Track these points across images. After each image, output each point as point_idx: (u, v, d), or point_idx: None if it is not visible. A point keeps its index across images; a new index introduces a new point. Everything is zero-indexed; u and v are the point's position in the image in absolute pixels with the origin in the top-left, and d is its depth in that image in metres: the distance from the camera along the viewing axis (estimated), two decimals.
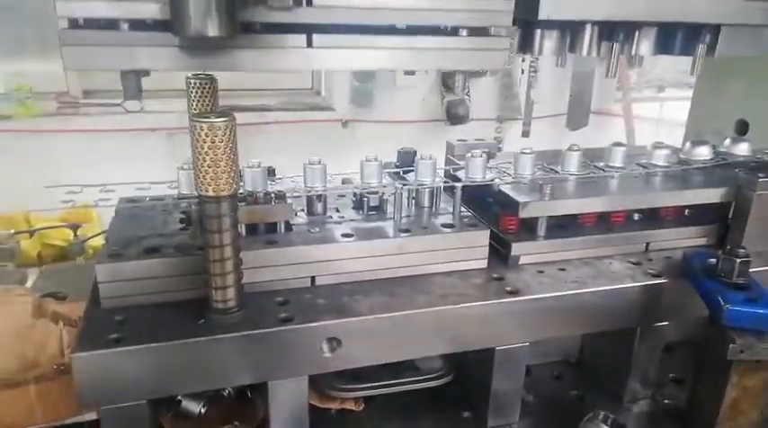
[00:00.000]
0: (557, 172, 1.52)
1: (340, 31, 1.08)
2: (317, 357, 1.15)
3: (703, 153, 1.66)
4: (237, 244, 1.11)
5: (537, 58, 5.56)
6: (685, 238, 1.53)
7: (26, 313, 1.38)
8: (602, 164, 1.59)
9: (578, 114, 6.05)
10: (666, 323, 1.41)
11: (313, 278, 1.27)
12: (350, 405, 1.38)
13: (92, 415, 1.20)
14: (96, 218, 3.91)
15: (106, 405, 1.07)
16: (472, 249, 1.35)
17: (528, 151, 1.48)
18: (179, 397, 1.25)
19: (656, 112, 6.96)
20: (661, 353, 1.48)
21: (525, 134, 5.87)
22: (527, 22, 1.32)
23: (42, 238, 3.94)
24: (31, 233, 3.64)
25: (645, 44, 1.39)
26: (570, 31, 1.37)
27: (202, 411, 1.27)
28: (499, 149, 1.73)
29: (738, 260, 1.24)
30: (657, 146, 1.64)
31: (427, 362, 1.41)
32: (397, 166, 1.54)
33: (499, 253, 1.41)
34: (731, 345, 1.14)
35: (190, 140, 1.01)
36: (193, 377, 1.10)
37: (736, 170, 1.52)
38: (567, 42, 1.38)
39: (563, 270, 1.38)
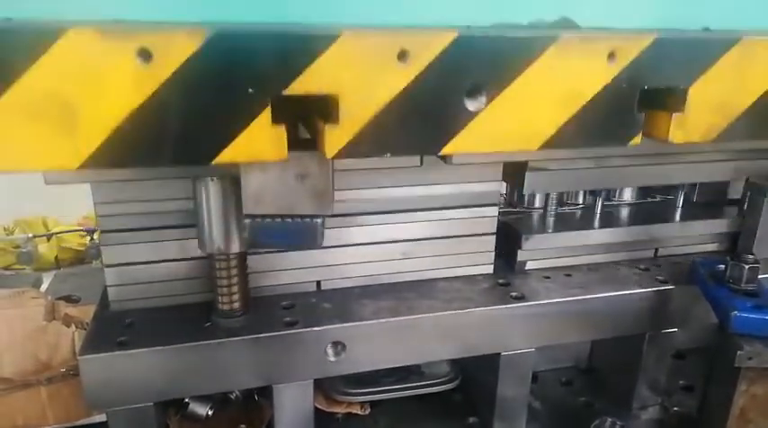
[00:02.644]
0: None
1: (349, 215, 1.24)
2: (322, 361, 1.16)
3: None
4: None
5: None
6: (695, 244, 1.52)
7: (39, 316, 1.40)
8: None
9: None
10: (675, 329, 1.39)
11: (318, 282, 1.28)
12: (356, 410, 1.38)
13: (102, 417, 1.22)
14: None
15: (113, 407, 1.09)
16: (478, 254, 1.35)
17: None
18: (186, 400, 1.27)
19: None
20: (671, 360, 1.47)
21: None
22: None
23: (60, 242, 3.99)
24: (49, 237, 3.69)
25: (627, 194, 1.58)
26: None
27: (210, 414, 1.28)
28: None
29: (747, 266, 1.22)
30: None
31: (433, 367, 1.42)
32: None
33: (506, 258, 1.41)
34: (739, 352, 1.13)
35: None
36: (199, 380, 1.12)
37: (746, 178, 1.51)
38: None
39: (569, 275, 1.38)
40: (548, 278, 1.36)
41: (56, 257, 3.97)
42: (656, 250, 1.50)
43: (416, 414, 1.42)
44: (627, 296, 1.31)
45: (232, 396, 1.33)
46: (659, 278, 1.37)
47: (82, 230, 3.63)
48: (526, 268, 1.40)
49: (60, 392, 1.37)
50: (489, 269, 1.37)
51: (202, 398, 1.28)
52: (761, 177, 1.44)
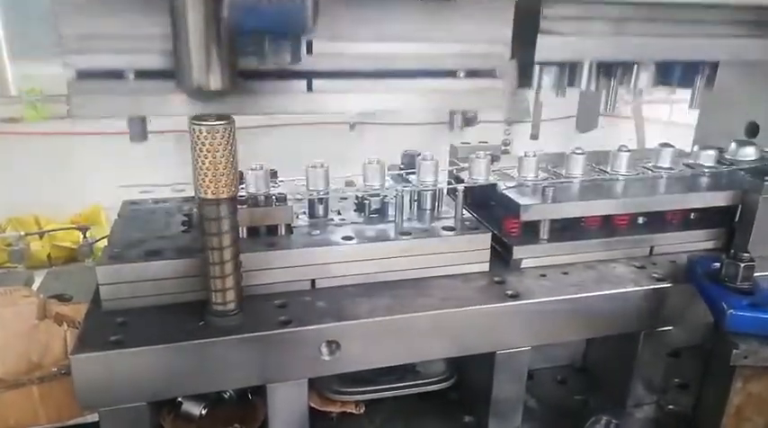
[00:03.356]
0: (561, 175, 1.51)
1: (339, 76, 1.11)
2: (317, 360, 1.15)
3: (710, 156, 1.64)
4: (237, 246, 1.11)
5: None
6: (691, 242, 1.52)
7: (31, 314, 1.39)
8: (607, 167, 1.58)
9: (587, 117, 6.02)
10: (671, 328, 1.39)
11: (313, 281, 1.27)
12: (350, 409, 1.37)
13: (95, 417, 1.21)
14: (105, 220, 3.94)
15: (106, 407, 1.08)
16: (474, 252, 1.35)
17: (531, 154, 1.48)
18: (180, 399, 1.25)
19: (667, 115, 6.90)
20: (666, 359, 1.47)
21: (534, 137, 5.85)
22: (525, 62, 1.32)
23: (52, 240, 3.98)
24: (41, 235, 3.68)
25: (643, 78, 1.40)
26: (569, 66, 1.37)
27: (203, 413, 1.27)
28: (507, 152, 1.73)
29: (742, 264, 1.23)
30: (662, 146, 1.62)
31: (428, 366, 1.41)
32: (401, 169, 1.54)
33: (501, 256, 1.40)
34: (734, 351, 1.13)
35: (189, 143, 1.01)
36: (193, 379, 1.11)
37: (743, 173, 1.51)
38: (565, 76, 1.38)
39: (565, 273, 1.38)
40: (543, 276, 1.36)
41: (48, 255, 3.96)
42: (652, 248, 1.50)
43: (412, 413, 1.42)
44: (623, 294, 1.31)
45: (226, 396, 1.32)
46: (655, 275, 1.37)
47: (74, 228, 3.61)
48: (522, 266, 1.39)
49: (52, 392, 1.36)
50: (485, 267, 1.36)
51: (196, 398, 1.27)
52: (757, 174, 1.45)
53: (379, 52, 1.11)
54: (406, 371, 1.39)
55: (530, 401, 1.47)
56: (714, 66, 1.40)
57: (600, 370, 1.58)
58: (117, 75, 1.00)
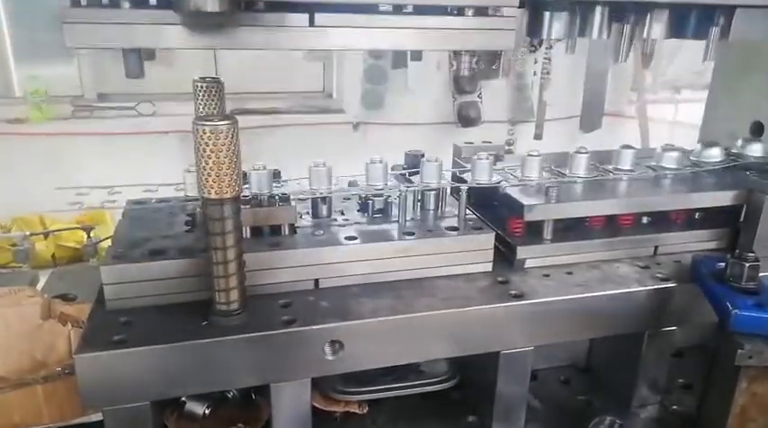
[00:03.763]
0: (564, 175, 1.51)
1: (344, 9, 1.07)
2: (320, 360, 1.15)
3: (714, 155, 1.64)
4: (240, 246, 1.11)
5: (549, 59, 5.52)
6: (695, 242, 1.51)
7: (35, 314, 1.39)
8: (610, 166, 1.58)
9: (592, 116, 6.00)
10: (675, 328, 1.39)
11: (317, 280, 1.27)
12: (354, 409, 1.37)
13: (98, 416, 1.21)
14: (110, 220, 3.94)
15: (109, 407, 1.08)
16: (477, 252, 1.34)
17: (535, 154, 1.47)
18: (183, 399, 1.26)
19: (672, 115, 6.88)
20: (671, 359, 1.46)
21: (538, 136, 5.83)
22: (536, 4, 1.29)
23: (57, 240, 3.99)
24: (46, 235, 3.69)
25: (657, 27, 1.34)
26: (580, 13, 1.33)
27: (207, 413, 1.27)
28: (510, 151, 1.72)
29: (747, 264, 1.22)
30: (667, 148, 1.62)
31: (432, 366, 1.41)
32: (404, 169, 1.54)
33: (505, 256, 1.40)
34: (739, 351, 1.13)
35: (193, 142, 1.01)
36: (196, 379, 1.11)
37: (748, 172, 1.50)
38: (576, 25, 1.34)
39: (569, 273, 1.37)
40: (547, 276, 1.36)
41: (53, 255, 3.97)
42: (656, 248, 1.49)
43: (415, 413, 1.42)
44: (627, 294, 1.31)
45: (229, 395, 1.32)
46: (659, 275, 1.37)
47: (79, 228, 3.62)
48: (525, 266, 1.39)
49: (56, 391, 1.36)
50: (488, 267, 1.36)
51: (199, 397, 1.27)
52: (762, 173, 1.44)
53: None
54: (409, 371, 1.38)
55: (533, 401, 1.47)
56: (729, 14, 1.33)
57: (604, 371, 1.58)
58: (112, 3, 0.99)
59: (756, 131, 1.91)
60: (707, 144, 1.67)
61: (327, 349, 1.15)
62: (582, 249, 1.43)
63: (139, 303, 1.17)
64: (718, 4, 1.32)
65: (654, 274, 1.37)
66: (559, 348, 1.59)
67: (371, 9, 1.09)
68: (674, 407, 1.48)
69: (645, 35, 1.36)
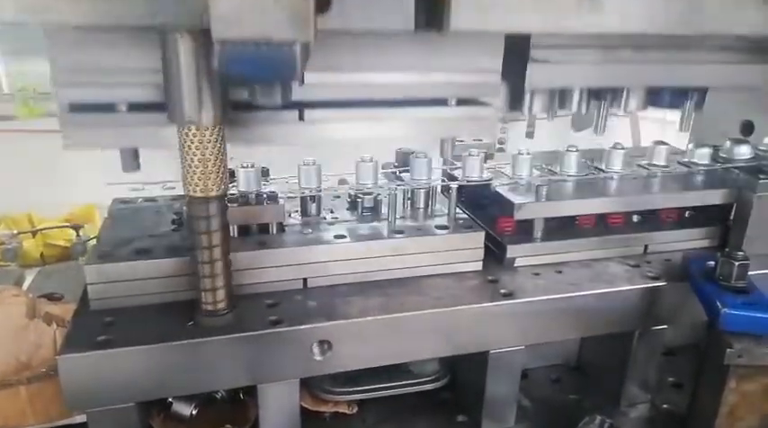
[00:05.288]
0: (555, 173, 1.50)
1: (331, 105, 1.11)
2: (308, 360, 1.14)
3: (705, 154, 1.63)
4: (227, 245, 1.09)
5: None
6: (685, 241, 1.51)
7: (20, 314, 1.37)
8: (601, 165, 1.57)
9: (583, 116, 6.01)
10: (665, 327, 1.38)
11: (305, 279, 1.26)
12: (343, 409, 1.36)
13: (84, 417, 1.19)
14: (99, 218, 3.92)
15: (94, 408, 1.06)
16: (467, 251, 1.33)
17: (525, 152, 1.47)
18: (170, 400, 1.24)
19: (662, 114, 6.90)
20: (661, 358, 1.46)
21: (529, 135, 5.83)
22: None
23: (45, 239, 3.95)
24: (34, 233, 3.65)
25: (633, 101, 1.41)
26: (559, 92, 1.38)
27: (194, 413, 1.26)
28: (502, 150, 1.72)
29: (737, 263, 1.22)
30: (656, 144, 1.62)
31: (422, 366, 1.40)
32: (395, 167, 1.52)
33: (495, 255, 1.40)
34: (728, 350, 1.12)
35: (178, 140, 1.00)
36: (182, 380, 1.09)
37: (737, 172, 1.50)
38: (556, 101, 1.39)
39: (559, 272, 1.37)
40: (537, 274, 1.35)
41: (41, 254, 3.93)
42: (646, 247, 1.49)
43: (405, 413, 1.41)
44: (617, 293, 1.30)
45: (217, 396, 1.31)
46: (649, 274, 1.36)
47: (68, 226, 3.59)
48: (515, 265, 1.38)
49: (41, 392, 1.34)
50: (478, 266, 1.35)
51: (186, 398, 1.25)
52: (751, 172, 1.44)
53: (372, 82, 1.12)
54: (399, 371, 1.37)
55: (523, 400, 1.46)
56: (703, 91, 1.41)
57: (594, 369, 1.58)
58: (109, 107, 1.01)
59: (746, 130, 1.92)
60: (697, 144, 1.67)
61: (316, 349, 1.14)
62: (572, 248, 1.42)
63: (125, 303, 1.16)
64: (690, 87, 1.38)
65: (644, 273, 1.37)
66: (550, 347, 1.58)
67: (358, 104, 1.12)
68: (665, 406, 1.48)
69: (622, 107, 1.42)
